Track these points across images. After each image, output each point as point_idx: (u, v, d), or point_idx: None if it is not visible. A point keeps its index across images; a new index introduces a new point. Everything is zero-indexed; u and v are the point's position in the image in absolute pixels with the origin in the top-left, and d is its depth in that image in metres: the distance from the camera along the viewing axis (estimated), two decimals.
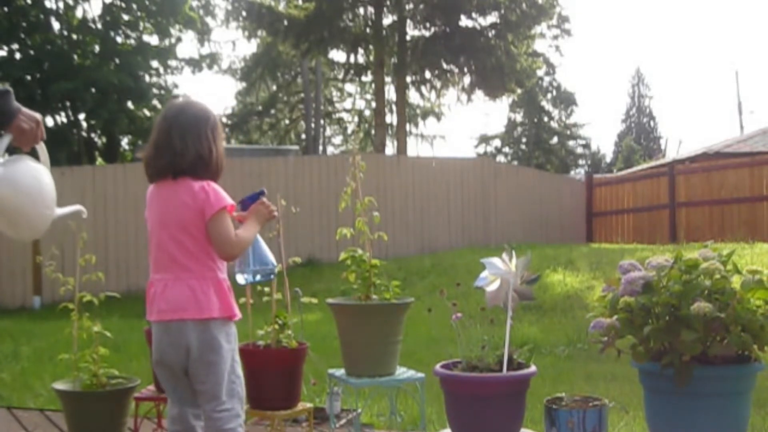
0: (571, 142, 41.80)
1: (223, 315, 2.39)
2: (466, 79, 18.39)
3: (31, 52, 18.39)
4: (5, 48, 18.43)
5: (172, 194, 2.40)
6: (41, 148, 2.42)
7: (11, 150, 2.31)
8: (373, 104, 23.04)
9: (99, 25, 19.62)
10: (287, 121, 32.79)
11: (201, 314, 2.35)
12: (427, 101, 27.40)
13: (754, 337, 2.23)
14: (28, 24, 18.55)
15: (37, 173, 2.35)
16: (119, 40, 19.76)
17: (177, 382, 2.43)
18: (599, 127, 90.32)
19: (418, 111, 31.16)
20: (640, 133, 48.35)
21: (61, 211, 2.47)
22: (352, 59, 19.17)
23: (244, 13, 17.42)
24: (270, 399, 2.98)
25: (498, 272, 2.53)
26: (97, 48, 19.48)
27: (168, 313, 2.36)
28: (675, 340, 2.22)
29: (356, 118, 34.53)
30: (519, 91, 19.59)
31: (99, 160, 20.12)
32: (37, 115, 2.32)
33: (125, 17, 19.78)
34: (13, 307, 10.17)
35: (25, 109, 2.28)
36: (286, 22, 17.11)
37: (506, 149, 41.92)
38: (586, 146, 42.61)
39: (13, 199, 2.27)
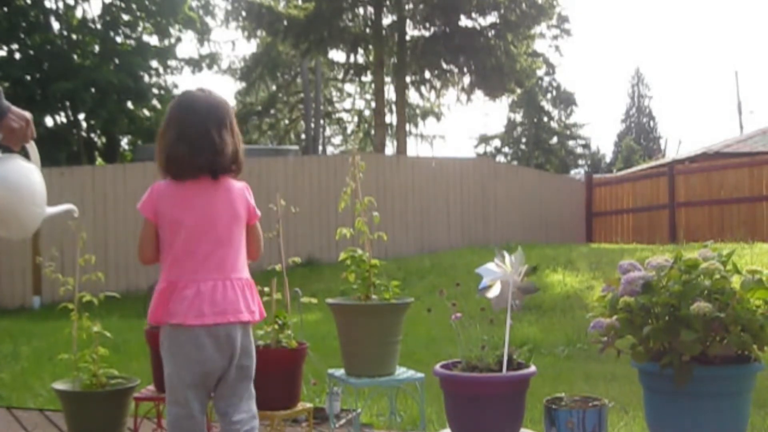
0: (570, 142, 41.82)
1: (260, 318, 2.38)
2: (466, 79, 18.40)
3: (31, 52, 18.38)
4: (5, 48, 18.42)
5: (221, 193, 2.32)
6: (32, 147, 2.39)
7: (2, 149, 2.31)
8: (373, 104, 23.05)
9: (99, 25, 19.60)
10: (287, 121, 32.79)
11: (252, 317, 2.32)
12: (426, 101, 27.43)
13: (754, 337, 2.23)
14: (28, 24, 18.53)
15: (27, 172, 2.34)
16: (119, 40, 19.75)
17: (206, 388, 2.30)
18: (599, 127, 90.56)
19: (417, 111, 31.17)
20: (639, 133, 48.40)
21: (52, 210, 2.46)
22: (351, 59, 19.18)
23: (243, 13, 17.43)
24: (270, 399, 2.97)
25: (495, 276, 2.53)
26: (96, 48, 19.47)
27: (218, 316, 2.24)
28: (675, 340, 2.22)
29: (356, 118, 34.54)
30: (519, 91, 19.59)
31: (99, 160, 20.11)
32: (27, 114, 2.29)
33: (125, 17, 19.77)
34: (13, 307, 10.16)
35: (14, 108, 2.27)
36: (285, 22, 17.11)
37: (506, 149, 41.95)
38: (586, 146, 42.65)
39: (4, 198, 2.25)
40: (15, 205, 2.29)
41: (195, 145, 2.27)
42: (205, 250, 2.28)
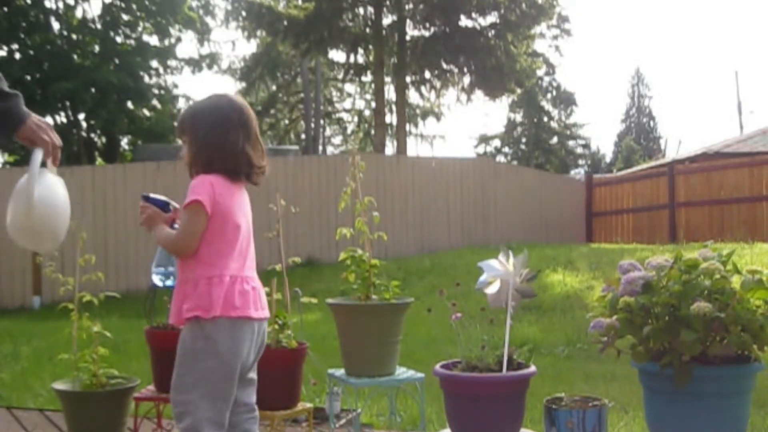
0: (570, 142, 41.84)
1: None
2: (466, 79, 18.40)
3: (31, 52, 18.39)
4: (5, 48, 18.45)
5: (247, 199, 2.40)
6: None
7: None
8: (373, 104, 23.05)
9: (99, 25, 19.62)
10: (287, 121, 32.79)
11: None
12: (426, 101, 27.43)
13: (754, 337, 2.23)
14: (28, 24, 18.55)
15: (58, 187, 2.34)
16: (119, 40, 19.76)
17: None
18: (599, 127, 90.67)
19: (417, 111, 31.18)
20: (639, 133, 48.41)
21: None
22: (351, 59, 19.18)
23: (243, 13, 17.43)
24: (270, 399, 2.97)
25: (497, 273, 2.53)
26: (96, 48, 19.49)
27: (264, 311, 2.35)
28: (675, 340, 2.22)
29: (356, 118, 34.55)
30: (519, 91, 19.60)
31: (99, 160, 20.12)
32: (48, 121, 2.30)
33: (125, 17, 19.78)
34: (13, 307, 10.16)
35: (35, 115, 2.27)
36: (285, 22, 17.12)
37: (506, 149, 41.96)
38: (586, 146, 42.66)
39: (47, 217, 2.27)
40: (53, 221, 2.30)
41: (257, 149, 2.37)
42: (249, 250, 2.37)
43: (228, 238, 2.29)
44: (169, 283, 2.79)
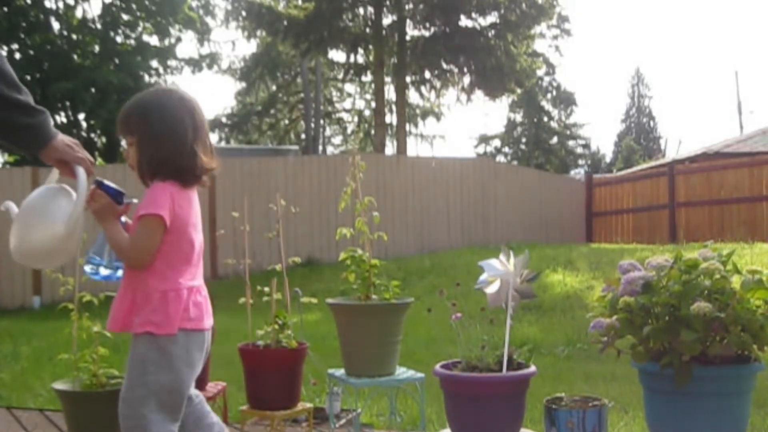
0: (570, 142, 41.86)
1: None
2: (466, 79, 18.41)
3: (31, 52, 18.39)
4: (5, 48, 18.41)
5: (198, 206, 2.28)
6: (53, 172, 2.33)
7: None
8: (373, 104, 23.06)
9: (98, 25, 19.61)
10: (287, 121, 32.80)
11: None
12: (426, 101, 27.45)
13: (754, 337, 2.23)
14: (28, 24, 18.55)
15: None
16: (119, 40, 19.76)
17: None
18: (599, 127, 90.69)
19: (417, 111, 31.19)
20: (639, 133, 48.45)
21: None
22: (351, 59, 19.19)
23: (243, 13, 17.45)
24: (270, 399, 2.98)
25: (497, 273, 2.53)
26: (96, 48, 19.48)
27: (211, 319, 2.27)
28: (675, 340, 2.22)
29: (356, 118, 34.57)
30: (519, 91, 19.61)
31: (99, 160, 20.12)
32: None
33: (125, 17, 19.78)
34: (13, 307, 10.17)
35: (63, 134, 2.20)
36: (285, 22, 17.13)
37: (506, 149, 41.98)
38: (586, 146, 42.68)
39: (78, 238, 2.25)
40: (79, 241, 2.28)
41: (209, 150, 2.22)
42: (200, 257, 2.27)
43: (184, 250, 2.19)
44: (103, 273, 2.61)
